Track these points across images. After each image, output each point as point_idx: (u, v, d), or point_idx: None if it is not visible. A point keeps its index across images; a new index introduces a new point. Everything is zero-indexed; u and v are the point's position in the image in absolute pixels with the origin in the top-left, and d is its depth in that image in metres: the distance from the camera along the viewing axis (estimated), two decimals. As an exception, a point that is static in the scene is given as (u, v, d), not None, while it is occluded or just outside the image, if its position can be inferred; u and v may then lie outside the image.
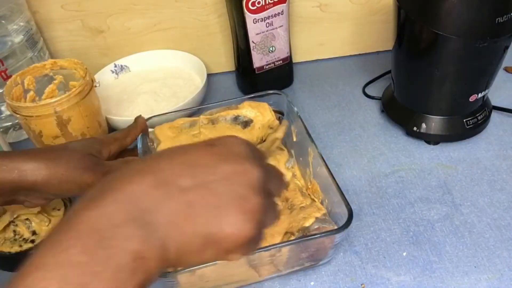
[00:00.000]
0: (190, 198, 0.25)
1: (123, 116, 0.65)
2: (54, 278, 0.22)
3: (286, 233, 0.45)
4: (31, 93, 0.57)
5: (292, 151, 0.54)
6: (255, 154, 0.29)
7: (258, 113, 0.54)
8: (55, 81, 0.59)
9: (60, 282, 0.22)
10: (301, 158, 0.53)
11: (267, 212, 0.28)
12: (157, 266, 0.24)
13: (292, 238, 0.43)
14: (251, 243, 0.27)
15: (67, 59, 0.58)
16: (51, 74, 0.59)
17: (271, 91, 0.57)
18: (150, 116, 0.56)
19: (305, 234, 0.43)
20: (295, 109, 0.54)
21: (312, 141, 0.49)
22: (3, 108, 0.64)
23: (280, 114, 0.56)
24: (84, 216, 0.24)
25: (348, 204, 0.42)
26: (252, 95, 0.57)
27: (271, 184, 0.29)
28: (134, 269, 0.23)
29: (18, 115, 0.53)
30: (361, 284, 0.45)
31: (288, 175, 0.51)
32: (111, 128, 0.63)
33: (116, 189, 0.25)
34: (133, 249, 0.23)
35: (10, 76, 0.56)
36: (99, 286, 0.22)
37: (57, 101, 0.51)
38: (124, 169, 0.27)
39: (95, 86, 0.57)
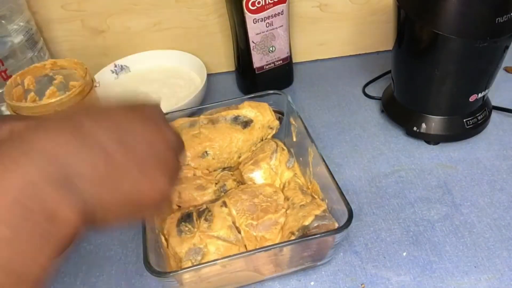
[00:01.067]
0: (113, 156, 0.26)
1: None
2: None
3: (288, 232, 0.45)
4: (32, 94, 0.57)
5: (292, 151, 0.54)
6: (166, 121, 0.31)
7: (258, 113, 0.54)
8: (55, 81, 0.59)
9: None
10: (301, 158, 0.53)
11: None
12: (76, 226, 0.25)
13: (293, 237, 0.43)
14: (166, 201, 0.28)
15: (67, 59, 0.58)
16: (51, 74, 0.58)
17: (271, 91, 0.57)
18: None
19: (305, 233, 0.43)
20: (295, 109, 0.54)
21: (312, 141, 0.50)
22: (3, 108, 0.64)
23: (280, 114, 0.56)
24: (4, 181, 0.23)
25: (348, 204, 0.42)
26: (252, 95, 0.57)
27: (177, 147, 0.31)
28: (50, 231, 0.23)
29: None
30: (361, 284, 0.45)
31: (289, 175, 0.52)
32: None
33: (36, 149, 0.24)
34: (53, 208, 0.23)
35: (10, 76, 0.56)
36: (12, 253, 0.22)
37: (57, 101, 0.51)
38: (44, 122, 0.26)
39: (95, 86, 0.57)
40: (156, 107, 0.31)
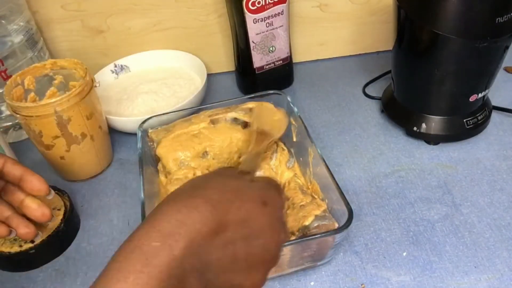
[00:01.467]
0: (238, 254, 0.29)
1: (123, 116, 0.65)
2: None
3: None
4: (32, 94, 0.57)
5: (292, 151, 0.54)
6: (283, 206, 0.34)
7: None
8: (55, 81, 0.59)
9: None
10: (301, 158, 0.53)
11: None
12: None
13: (293, 237, 0.43)
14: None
15: (67, 59, 0.58)
16: (51, 74, 0.59)
17: (271, 91, 0.57)
18: (151, 116, 0.56)
19: (305, 233, 0.43)
20: (295, 109, 0.54)
21: (312, 141, 0.49)
22: (3, 108, 0.64)
23: None
24: (158, 258, 0.25)
25: (348, 203, 0.42)
26: (252, 95, 0.57)
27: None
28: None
29: (18, 115, 0.53)
30: (361, 284, 0.45)
31: (289, 175, 0.52)
32: (111, 129, 0.63)
33: (184, 229, 0.27)
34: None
35: (10, 76, 0.56)
36: None
37: (57, 101, 0.51)
38: (194, 201, 0.29)
39: (95, 86, 0.57)
40: (281, 201, 0.34)
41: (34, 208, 0.43)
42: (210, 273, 0.27)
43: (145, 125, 0.55)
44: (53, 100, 0.51)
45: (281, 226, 0.32)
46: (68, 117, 0.53)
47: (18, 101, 0.54)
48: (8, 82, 0.55)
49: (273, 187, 0.34)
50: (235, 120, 0.54)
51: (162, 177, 0.53)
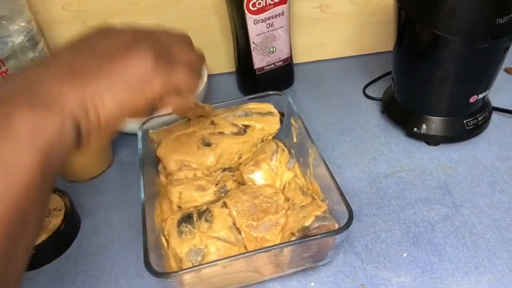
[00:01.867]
0: (72, 58, 0.29)
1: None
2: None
3: (288, 233, 0.45)
4: None
5: (293, 152, 0.54)
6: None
7: (266, 123, 0.54)
8: None
9: None
10: (301, 159, 0.53)
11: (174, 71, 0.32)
12: (60, 132, 0.26)
13: (293, 238, 0.43)
14: (166, 58, 0.31)
15: None
16: None
17: (272, 92, 0.57)
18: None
19: (305, 234, 0.43)
20: (296, 110, 0.54)
21: (313, 142, 0.49)
22: (3, 109, 0.64)
23: (280, 115, 0.56)
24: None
25: (348, 204, 0.42)
26: (253, 96, 0.57)
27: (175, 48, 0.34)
28: (29, 141, 0.25)
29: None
30: (362, 285, 0.45)
31: (289, 176, 0.52)
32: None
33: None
34: (22, 123, 0.25)
35: (11, 77, 0.56)
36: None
37: None
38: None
39: None
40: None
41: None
42: (51, 91, 0.27)
43: (145, 125, 0.55)
44: None
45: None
46: None
47: None
48: None
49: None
50: (235, 132, 0.54)
51: (162, 178, 0.53)
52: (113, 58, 0.29)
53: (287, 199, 0.48)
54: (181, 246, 0.43)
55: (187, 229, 0.44)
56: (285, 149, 0.54)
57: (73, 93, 0.27)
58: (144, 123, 0.55)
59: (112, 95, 0.28)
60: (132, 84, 0.29)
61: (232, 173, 0.53)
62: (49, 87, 0.26)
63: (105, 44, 0.30)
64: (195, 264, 0.42)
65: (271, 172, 0.51)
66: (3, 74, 0.61)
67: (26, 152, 0.24)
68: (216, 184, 0.50)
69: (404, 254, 0.47)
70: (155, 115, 0.31)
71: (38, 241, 0.48)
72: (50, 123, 0.25)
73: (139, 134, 0.54)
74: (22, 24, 0.62)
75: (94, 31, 0.32)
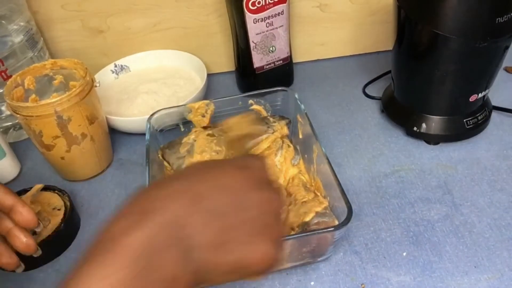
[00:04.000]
0: (226, 224, 0.26)
1: (123, 116, 0.65)
2: None
3: (288, 228, 0.45)
4: (33, 96, 0.57)
5: (298, 148, 0.54)
6: (273, 179, 0.31)
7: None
8: (55, 81, 0.59)
9: None
10: (306, 155, 0.53)
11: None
12: (189, 285, 0.26)
13: (293, 233, 0.43)
14: (274, 264, 0.29)
15: (67, 59, 0.58)
16: (51, 74, 0.58)
17: (279, 88, 0.57)
18: (152, 112, 0.56)
19: (305, 229, 0.43)
20: (302, 106, 0.54)
21: (317, 138, 0.50)
22: (3, 108, 0.64)
23: (287, 119, 0.56)
24: (129, 238, 0.24)
25: (348, 201, 0.42)
26: (257, 92, 0.57)
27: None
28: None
29: (18, 115, 0.53)
30: (361, 284, 0.45)
31: (293, 172, 0.52)
32: (111, 129, 0.63)
33: (158, 208, 0.25)
34: (173, 273, 0.24)
35: (10, 76, 0.56)
36: None
37: (57, 101, 0.51)
38: (159, 187, 0.28)
39: (96, 86, 0.57)
40: (266, 167, 0.32)
41: (21, 240, 0.42)
42: (197, 250, 0.25)
43: (153, 118, 0.55)
44: (53, 100, 0.51)
45: (269, 186, 0.30)
46: (68, 117, 0.53)
47: (18, 101, 0.54)
48: (8, 82, 0.55)
49: (253, 156, 0.33)
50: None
51: (167, 173, 0.53)
52: (252, 244, 0.27)
53: (289, 195, 0.48)
54: None
55: None
56: (291, 145, 0.54)
57: (209, 258, 0.26)
58: (152, 115, 0.55)
59: (228, 274, 0.27)
60: (245, 272, 0.28)
61: None
62: (198, 243, 0.26)
63: (256, 217, 0.28)
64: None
65: (275, 168, 0.51)
66: (3, 73, 0.61)
67: None
68: None
69: (404, 253, 0.47)
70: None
71: (38, 240, 0.48)
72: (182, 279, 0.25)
73: (147, 126, 0.54)
74: (21, 23, 0.62)
75: (256, 175, 0.30)
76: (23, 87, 0.56)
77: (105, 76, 0.72)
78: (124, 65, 0.74)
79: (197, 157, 0.52)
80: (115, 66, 0.73)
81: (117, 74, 0.74)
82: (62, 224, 0.50)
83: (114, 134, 0.64)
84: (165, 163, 0.54)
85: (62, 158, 0.56)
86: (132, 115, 0.65)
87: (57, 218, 0.51)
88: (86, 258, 0.24)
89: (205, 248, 0.26)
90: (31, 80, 0.57)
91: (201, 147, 0.53)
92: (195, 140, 0.55)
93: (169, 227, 0.25)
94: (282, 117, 0.57)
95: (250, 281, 0.28)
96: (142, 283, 0.23)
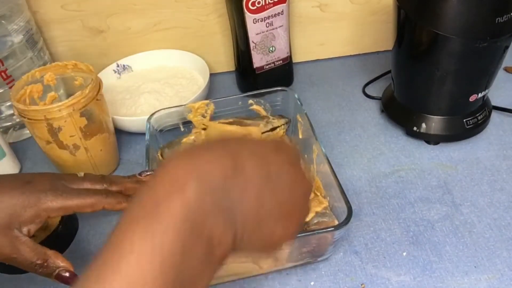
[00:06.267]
0: (263, 196, 0.27)
1: (126, 116, 0.65)
2: (149, 262, 0.22)
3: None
4: (52, 93, 0.57)
5: (298, 148, 0.54)
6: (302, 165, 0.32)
7: None
8: (76, 82, 0.58)
9: (152, 264, 0.22)
10: (306, 155, 0.53)
11: None
12: (228, 250, 0.26)
13: None
14: (290, 242, 0.30)
15: (85, 63, 0.56)
16: (72, 74, 0.58)
17: (279, 88, 0.57)
18: (159, 109, 0.56)
19: (304, 229, 0.43)
20: (302, 106, 0.54)
21: (317, 138, 0.50)
22: (3, 108, 0.64)
23: (286, 118, 0.56)
24: (174, 202, 0.23)
25: (348, 201, 0.42)
26: (258, 92, 0.57)
27: None
28: (213, 252, 0.24)
29: (17, 114, 0.53)
30: (361, 284, 0.45)
31: None
32: (116, 129, 0.63)
33: (203, 173, 0.25)
34: (218, 238, 0.24)
35: (10, 76, 0.56)
36: (180, 270, 0.23)
37: (47, 109, 0.50)
38: (199, 151, 0.27)
39: (97, 100, 0.54)
40: (296, 150, 0.32)
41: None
42: (239, 216, 0.25)
43: (153, 118, 0.55)
44: (43, 107, 0.50)
45: (300, 171, 0.30)
46: (58, 126, 0.51)
47: (35, 98, 0.54)
48: (24, 76, 0.54)
49: (284, 141, 0.33)
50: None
51: None
52: (281, 221, 0.28)
53: None
54: None
55: None
56: None
57: (245, 228, 0.26)
58: (152, 115, 0.55)
59: (255, 245, 0.28)
60: (266, 248, 0.29)
61: None
62: (245, 212, 0.26)
63: (286, 194, 0.28)
64: None
65: None
66: (2, 73, 0.61)
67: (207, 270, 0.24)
68: None
69: (404, 253, 0.47)
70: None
71: (37, 241, 0.48)
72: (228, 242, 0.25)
73: (147, 126, 0.54)
74: (21, 23, 0.62)
75: (285, 158, 0.29)
76: (42, 83, 0.56)
77: (107, 76, 0.71)
78: (127, 65, 0.74)
79: None
80: (118, 65, 0.73)
81: (120, 74, 0.74)
82: (60, 226, 0.50)
83: (116, 133, 0.64)
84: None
85: (57, 163, 0.56)
86: (135, 114, 0.65)
87: (55, 220, 0.51)
88: (130, 220, 0.24)
89: (246, 215, 0.26)
90: (52, 77, 0.57)
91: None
92: (194, 141, 0.55)
93: (214, 191, 0.25)
94: (282, 116, 0.57)
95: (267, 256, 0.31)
96: (187, 246, 0.23)
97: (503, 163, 0.55)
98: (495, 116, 0.61)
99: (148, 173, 0.46)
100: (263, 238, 0.27)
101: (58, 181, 0.41)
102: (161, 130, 0.57)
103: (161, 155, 0.55)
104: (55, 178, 0.42)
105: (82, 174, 0.45)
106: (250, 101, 0.58)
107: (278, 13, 0.62)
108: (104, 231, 0.53)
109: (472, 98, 0.54)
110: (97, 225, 0.54)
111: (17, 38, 0.61)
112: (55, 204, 0.39)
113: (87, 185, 0.42)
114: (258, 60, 0.66)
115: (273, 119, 0.56)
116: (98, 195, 0.41)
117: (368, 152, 0.59)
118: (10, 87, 0.61)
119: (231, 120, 0.56)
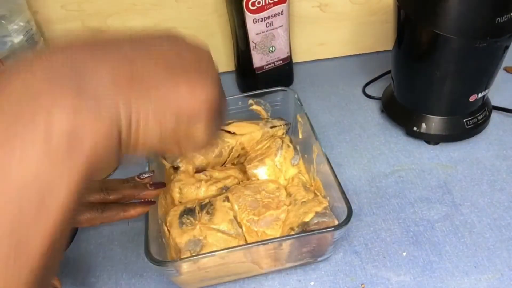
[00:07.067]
0: (133, 57, 0.22)
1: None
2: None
3: (288, 228, 0.45)
4: None
5: (298, 148, 0.54)
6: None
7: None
8: None
9: None
10: (306, 155, 0.53)
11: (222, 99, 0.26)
12: (105, 145, 0.20)
13: (292, 233, 0.44)
14: (216, 112, 0.25)
15: None
16: None
17: (279, 88, 0.57)
18: None
19: (304, 229, 0.43)
20: (302, 106, 0.54)
21: (317, 138, 0.50)
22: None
23: (286, 121, 0.57)
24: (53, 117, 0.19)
25: (348, 201, 0.42)
26: (258, 92, 0.57)
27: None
28: (68, 150, 0.19)
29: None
30: (361, 284, 0.45)
31: (293, 172, 0.52)
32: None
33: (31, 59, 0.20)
34: (62, 125, 0.19)
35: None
36: (23, 173, 0.18)
37: None
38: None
39: None
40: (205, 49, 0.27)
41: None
42: (105, 87, 0.21)
43: None
44: None
45: (190, 44, 0.26)
46: None
47: None
48: None
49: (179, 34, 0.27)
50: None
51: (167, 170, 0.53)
52: (176, 79, 0.23)
53: (289, 195, 0.48)
54: (181, 236, 0.44)
55: (188, 220, 0.45)
56: (290, 145, 0.54)
57: (124, 99, 0.21)
58: None
59: (159, 117, 0.22)
60: (181, 119, 0.23)
61: (234, 175, 0.53)
62: (102, 84, 0.20)
63: (172, 56, 0.24)
64: (193, 254, 0.42)
65: (275, 168, 0.51)
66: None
67: (66, 170, 0.19)
68: (217, 182, 0.50)
69: (404, 253, 0.47)
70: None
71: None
72: (99, 130, 0.20)
73: None
74: (21, 23, 0.62)
75: (164, 33, 0.26)
76: None
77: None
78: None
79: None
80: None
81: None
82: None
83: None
84: (164, 162, 0.54)
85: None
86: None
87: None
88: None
89: (109, 87, 0.20)
90: None
91: None
92: None
93: (49, 66, 0.20)
94: (281, 119, 0.57)
95: (194, 136, 0.25)
96: (17, 139, 0.18)
97: (503, 163, 0.55)
98: (495, 116, 0.61)
99: (147, 175, 0.46)
100: (164, 107, 0.22)
101: None
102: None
103: (161, 155, 0.55)
104: None
105: None
106: (250, 101, 0.58)
107: (278, 13, 0.62)
108: (105, 231, 0.53)
109: (472, 98, 0.55)
110: (98, 225, 0.54)
111: (17, 38, 0.61)
112: None
113: None
114: (258, 60, 0.66)
115: (273, 119, 0.56)
116: (95, 210, 0.41)
117: (368, 152, 0.59)
118: (10, 87, 0.61)
119: (230, 121, 0.56)
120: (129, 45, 0.23)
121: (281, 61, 0.68)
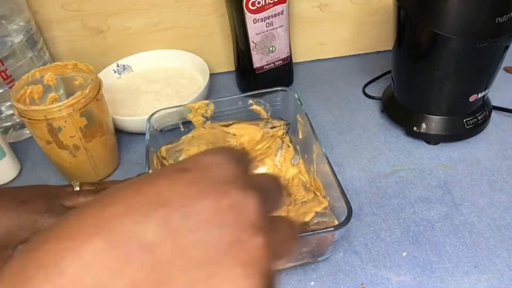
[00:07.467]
0: (158, 257, 0.17)
1: (126, 116, 0.65)
2: None
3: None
4: (53, 94, 0.56)
5: (298, 148, 0.54)
6: (241, 166, 0.21)
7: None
8: (76, 82, 0.58)
9: None
10: (306, 155, 0.53)
11: (274, 247, 0.19)
12: None
13: None
14: None
15: (85, 64, 0.56)
16: (72, 74, 0.58)
17: (279, 88, 0.57)
18: (159, 109, 0.56)
19: (304, 229, 0.43)
20: (302, 106, 0.54)
21: (317, 138, 0.50)
22: (3, 108, 0.64)
23: (286, 121, 0.57)
24: None
25: (348, 201, 0.42)
26: (258, 92, 0.57)
27: (269, 203, 0.21)
28: None
29: (17, 114, 0.53)
30: (361, 284, 0.45)
31: (293, 172, 0.52)
32: (116, 129, 0.63)
33: (48, 263, 0.16)
34: None
35: (10, 76, 0.56)
36: None
37: (48, 109, 0.50)
38: (59, 226, 0.17)
39: (97, 100, 0.54)
40: (221, 157, 0.20)
41: None
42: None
43: (153, 118, 0.55)
44: (43, 107, 0.50)
45: (234, 185, 0.19)
46: (58, 126, 0.51)
47: (35, 99, 0.53)
48: (24, 76, 0.54)
49: (213, 150, 0.21)
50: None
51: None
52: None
53: (289, 195, 0.48)
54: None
55: None
56: (290, 145, 0.54)
57: None
58: (152, 115, 0.55)
59: None
60: None
61: None
62: None
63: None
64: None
65: (275, 168, 0.51)
66: (2, 73, 0.61)
67: None
68: None
69: (404, 253, 0.47)
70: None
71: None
72: None
73: (147, 126, 0.54)
74: (21, 23, 0.62)
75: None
76: (42, 83, 0.56)
77: (107, 76, 0.71)
78: (127, 65, 0.74)
79: (194, 150, 0.52)
80: (118, 65, 0.73)
81: (120, 74, 0.74)
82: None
83: (116, 133, 0.64)
84: (164, 162, 0.54)
85: (57, 163, 0.56)
86: (135, 114, 0.65)
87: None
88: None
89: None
90: (52, 77, 0.56)
91: (199, 140, 0.53)
92: (193, 136, 0.55)
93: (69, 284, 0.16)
94: (281, 119, 0.57)
95: None
96: None
97: (503, 163, 0.55)
98: (495, 116, 0.61)
99: None
100: None
101: (53, 200, 0.40)
102: (161, 130, 0.57)
103: (161, 155, 0.55)
104: (50, 196, 0.41)
105: (77, 184, 0.44)
106: (250, 101, 0.58)
107: (278, 13, 0.62)
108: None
109: (472, 98, 0.55)
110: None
111: (17, 38, 0.61)
112: None
113: (82, 201, 0.41)
114: (258, 60, 0.66)
115: (273, 119, 0.56)
116: None
117: (368, 152, 0.59)
118: (10, 87, 0.61)
119: (230, 122, 0.56)
120: (158, 241, 0.17)
121: (281, 61, 0.68)
